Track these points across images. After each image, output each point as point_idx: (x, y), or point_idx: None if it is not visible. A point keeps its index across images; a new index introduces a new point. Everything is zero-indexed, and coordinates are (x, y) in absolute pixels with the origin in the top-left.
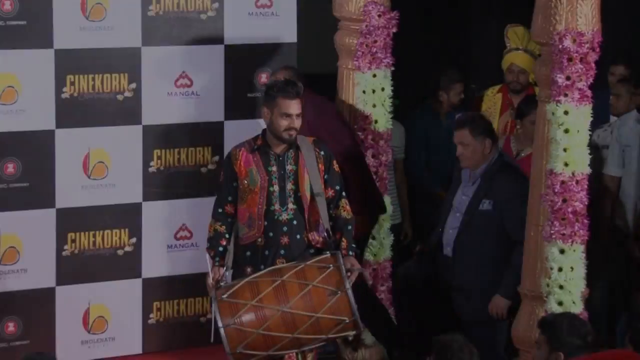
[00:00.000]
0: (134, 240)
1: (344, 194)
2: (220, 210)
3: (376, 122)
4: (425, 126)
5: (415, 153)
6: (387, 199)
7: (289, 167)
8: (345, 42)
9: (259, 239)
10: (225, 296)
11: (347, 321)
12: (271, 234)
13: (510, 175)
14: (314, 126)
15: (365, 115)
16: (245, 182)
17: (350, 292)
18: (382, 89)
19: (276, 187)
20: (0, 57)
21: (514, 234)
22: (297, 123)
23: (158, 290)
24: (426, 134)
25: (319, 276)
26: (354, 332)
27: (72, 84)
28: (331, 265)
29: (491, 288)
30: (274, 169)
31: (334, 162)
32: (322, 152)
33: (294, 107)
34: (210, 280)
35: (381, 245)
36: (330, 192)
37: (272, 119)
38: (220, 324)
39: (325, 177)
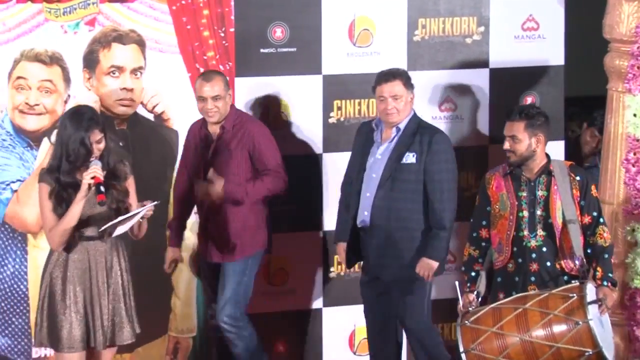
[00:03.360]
0: None
1: (602, 220)
2: (474, 235)
3: None
4: None
5: None
6: None
7: (539, 193)
8: (615, 65)
9: (509, 265)
10: (468, 322)
11: (591, 353)
12: (520, 260)
13: (433, 128)
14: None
15: (636, 139)
16: (497, 207)
17: (593, 323)
18: None
19: (526, 213)
20: (272, 83)
21: (435, 188)
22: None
23: None
24: None
25: (560, 305)
26: None
27: (339, 108)
28: (575, 294)
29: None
30: (524, 194)
31: (593, 187)
32: (577, 177)
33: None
34: (460, 306)
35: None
36: (587, 219)
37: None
38: (461, 349)
39: (581, 203)
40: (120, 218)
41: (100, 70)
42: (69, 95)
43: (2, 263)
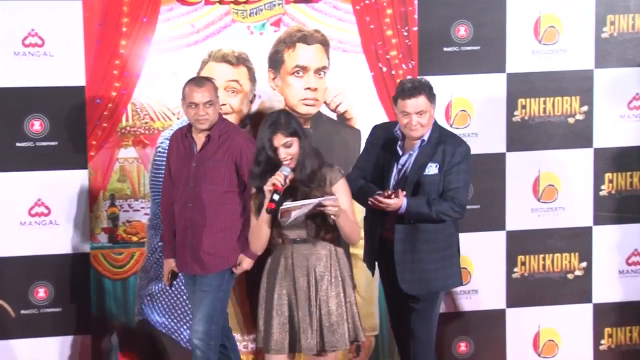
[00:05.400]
0: (584, 264)
1: None
2: None
3: None
4: None
5: None
6: None
7: None
8: None
9: None
10: None
11: None
12: None
13: (456, 138)
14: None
15: None
16: None
17: None
18: None
19: None
20: (455, 82)
21: (451, 190)
22: None
23: (609, 316)
24: None
25: None
26: None
27: (524, 107)
28: None
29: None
30: None
31: None
32: None
33: None
34: None
35: None
36: None
37: None
38: None
39: None
40: (296, 203)
41: (284, 70)
42: (254, 95)
43: None
